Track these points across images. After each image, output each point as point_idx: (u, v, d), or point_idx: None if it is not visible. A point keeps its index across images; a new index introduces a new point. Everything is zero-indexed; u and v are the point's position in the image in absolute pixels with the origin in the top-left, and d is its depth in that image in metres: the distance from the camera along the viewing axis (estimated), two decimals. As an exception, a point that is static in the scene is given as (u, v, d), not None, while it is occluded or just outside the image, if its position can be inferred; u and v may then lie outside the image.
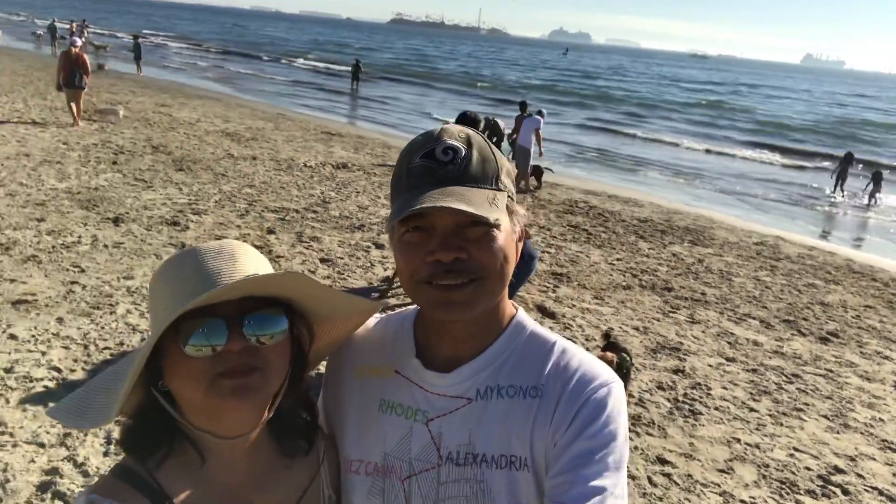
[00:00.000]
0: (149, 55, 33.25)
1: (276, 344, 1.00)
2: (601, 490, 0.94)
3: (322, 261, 7.36)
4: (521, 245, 1.10)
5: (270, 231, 8.20)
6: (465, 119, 6.74)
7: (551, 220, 10.89)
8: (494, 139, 16.30)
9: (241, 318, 0.97)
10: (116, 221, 7.81)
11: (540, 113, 13.71)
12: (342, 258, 7.50)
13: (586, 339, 6.04)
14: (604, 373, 1.07)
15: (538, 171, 13.40)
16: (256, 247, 7.50)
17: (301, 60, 49.83)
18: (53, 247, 6.73)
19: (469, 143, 1.02)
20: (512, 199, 1.06)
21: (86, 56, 14.43)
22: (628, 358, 4.80)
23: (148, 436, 1.01)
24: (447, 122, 1.11)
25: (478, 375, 1.08)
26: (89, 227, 7.52)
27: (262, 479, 1.09)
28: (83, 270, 6.22)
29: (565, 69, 77.48)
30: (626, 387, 4.74)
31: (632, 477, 4.05)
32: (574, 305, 6.98)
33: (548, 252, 8.92)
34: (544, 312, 6.66)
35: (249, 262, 1.01)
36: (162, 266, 1.02)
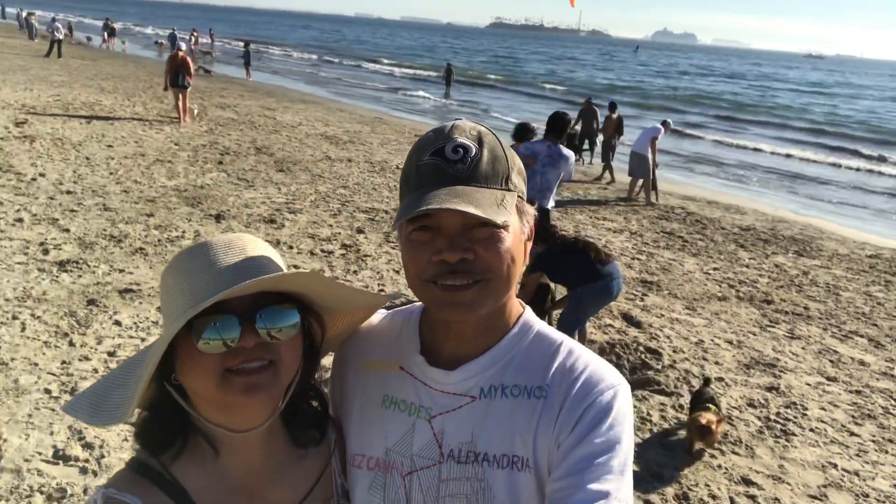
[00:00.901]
0: (256, 61, 34.91)
1: (289, 338, 1.01)
2: (604, 495, 0.92)
3: (407, 261, 7.47)
4: (530, 244, 1.09)
5: (360, 231, 8.41)
6: (557, 118, 6.60)
7: (644, 226, 10.57)
8: (575, 129, 15.87)
9: (253, 314, 0.97)
10: (218, 218, 8.26)
11: (665, 123, 12.86)
12: (427, 259, 7.58)
13: (673, 351, 5.81)
14: (610, 375, 1.05)
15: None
16: (345, 245, 7.76)
17: (397, 65, 50.82)
18: (159, 240, 7.20)
19: (480, 141, 1.01)
20: (522, 198, 1.04)
21: (188, 59, 15.69)
22: (717, 409, 4.36)
23: (162, 430, 1.02)
24: (458, 119, 1.10)
25: (482, 374, 1.07)
26: (193, 222, 7.99)
27: (276, 470, 1.10)
28: (185, 263, 6.60)
29: (662, 71, 74.92)
30: (711, 440, 4.17)
31: (712, 496, 3.86)
32: (663, 315, 6.74)
33: (638, 259, 8.67)
34: (630, 321, 6.47)
35: (260, 256, 1.02)
36: (174, 260, 1.03)
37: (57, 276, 5.93)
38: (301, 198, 9.72)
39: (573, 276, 5.08)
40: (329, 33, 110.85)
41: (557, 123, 6.46)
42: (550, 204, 6.39)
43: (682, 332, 6.31)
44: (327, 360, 1.29)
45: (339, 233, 8.25)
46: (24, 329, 4.92)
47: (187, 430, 1.03)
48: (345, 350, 1.22)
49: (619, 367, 5.50)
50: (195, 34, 38.14)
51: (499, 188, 0.99)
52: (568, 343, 1.10)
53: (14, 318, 5.07)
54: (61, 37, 28.94)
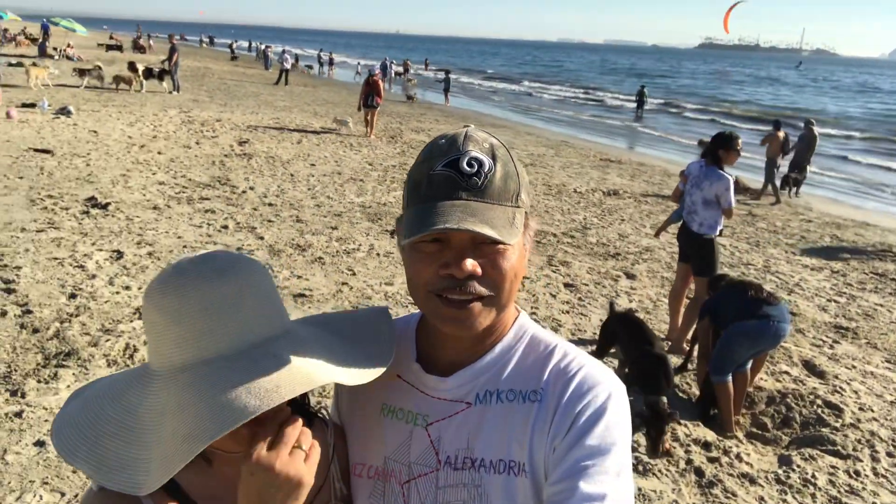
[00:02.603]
0: (456, 88, 36.46)
1: None
2: (601, 497, 0.91)
3: (566, 286, 7.34)
4: (528, 253, 1.08)
5: (525, 253, 8.41)
6: (714, 138, 6.03)
7: (851, 265, 9.39)
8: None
9: None
10: (392, 234, 8.74)
11: None
12: (587, 285, 7.38)
13: (859, 409, 5.07)
14: (605, 377, 1.03)
15: None
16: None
17: (591, 89, 50.17)
18: (337, 251, 7.80)
19: (493, 155, 1.00)
20: (528, 214, 1.03)
21: (379, 83, 17.48)
22: None
23: None
24: (468, 127, 1.07)
25: (477, 380, 1.08)
26: (370, 236, 8.54)
27: None
28: (354, 274, 7.09)
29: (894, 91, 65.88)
30: None
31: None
32: (854, 367, 5.93)
33: (835, 301, 7.72)
34: (811, 370, 5.77)
35: (255, 307, 0.95)
36: (159, 294, 0.93)
37: (245, 278, 6.65)
38: (474, 218, 9.95)
39: (727, 315, 4.69)
40: (530, 58, 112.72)
41: (712, 144, 5.95)
42: (700, 228, 5.88)
43: (876, 388, 5.50)
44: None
45: (505, 254, 8.32)
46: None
47: None
48: None
49: (788, 420, 4.94)
50: (406, 63, 41.28)
51: (510, 205, 0.99)
52: (563, 345, 1.09)
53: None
54: (289, 66, 32.63)
